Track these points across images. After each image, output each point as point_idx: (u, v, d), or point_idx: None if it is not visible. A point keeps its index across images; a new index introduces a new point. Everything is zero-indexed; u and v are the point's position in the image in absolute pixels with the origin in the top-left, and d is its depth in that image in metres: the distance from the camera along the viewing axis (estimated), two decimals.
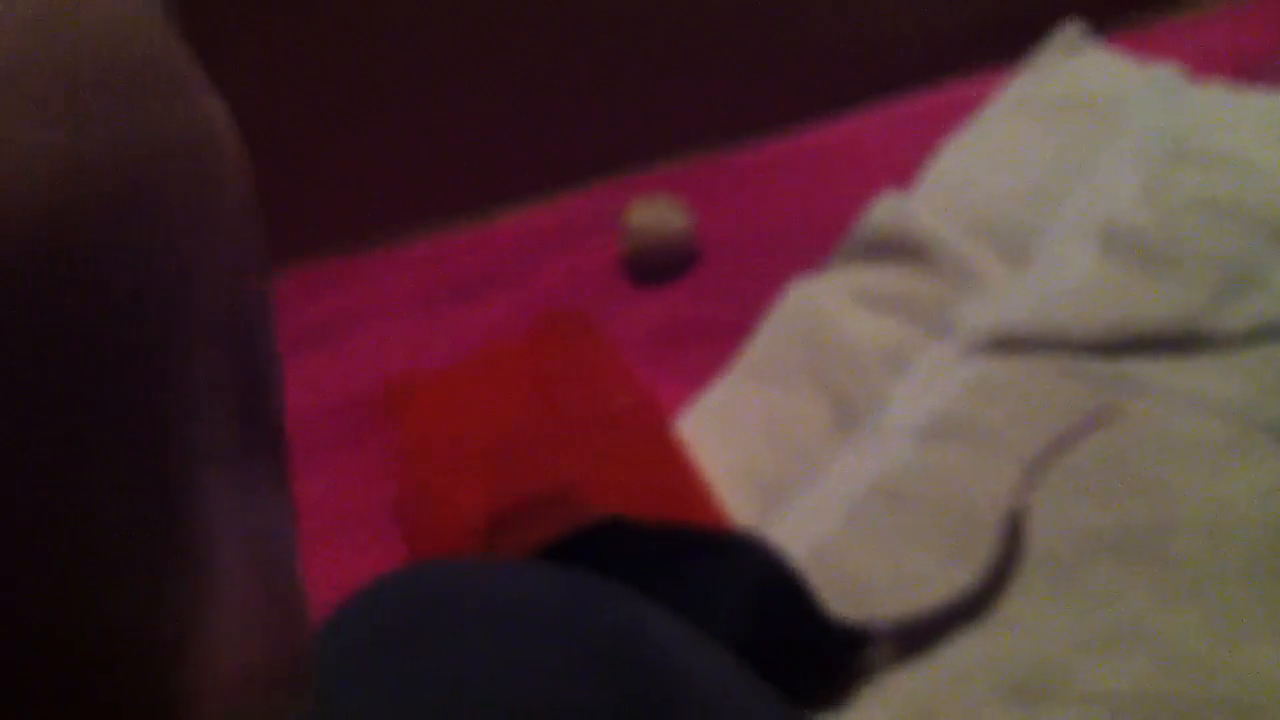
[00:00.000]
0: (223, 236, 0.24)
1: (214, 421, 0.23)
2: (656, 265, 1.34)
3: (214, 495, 0.23)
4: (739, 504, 1.10)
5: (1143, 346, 1.13)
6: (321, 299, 1.44)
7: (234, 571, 0.24)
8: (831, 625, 0.96)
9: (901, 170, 1.34)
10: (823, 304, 1.23)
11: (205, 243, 0.23)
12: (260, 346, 0.26)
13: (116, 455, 0.20)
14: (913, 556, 1.02)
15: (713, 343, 1.25)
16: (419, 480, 1.10)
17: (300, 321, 1.42)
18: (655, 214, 1.35)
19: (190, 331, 0.22)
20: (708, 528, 0.99)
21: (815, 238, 1.31)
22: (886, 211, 1.27)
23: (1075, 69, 1.42)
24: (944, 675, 0.95)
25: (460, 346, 1.35)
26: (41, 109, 0.20)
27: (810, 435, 1.14)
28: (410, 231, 1.49)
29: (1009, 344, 1.15)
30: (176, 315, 0.22)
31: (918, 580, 0.99)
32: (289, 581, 0.26)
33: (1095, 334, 1.14)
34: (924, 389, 1.14)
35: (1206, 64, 1.40)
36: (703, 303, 1.31)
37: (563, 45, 1.76)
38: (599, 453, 1.07)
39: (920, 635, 0.97)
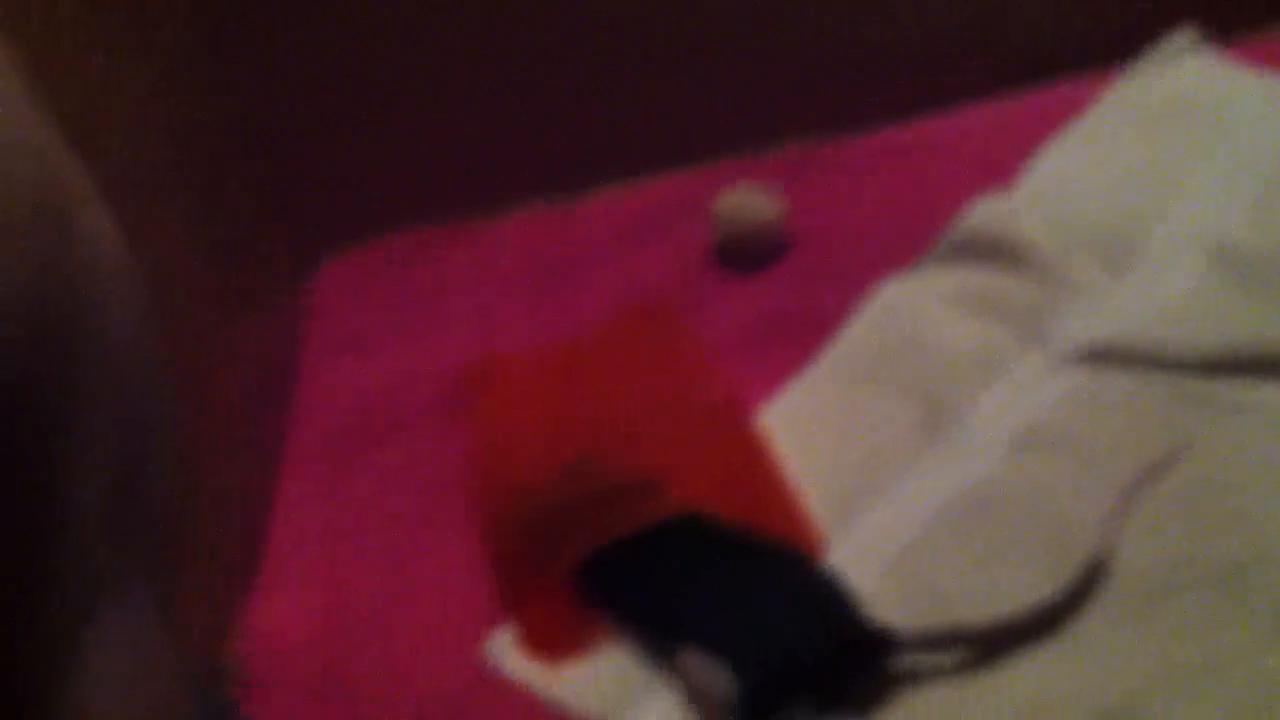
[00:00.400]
0: (103, 357, 0.24)
1: (84, 534, 0.23)
2: (745, 254, 1.32)
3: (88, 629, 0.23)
4: (819, 504, 1.08)
5: (1246, 368, 1.09)
6: (412, 270, 1.43)
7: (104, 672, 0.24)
8: (857, 625, 0.93)
9: (1001, 170, 1.31)
10: (914, 304, 1.20)
11: (83, 366, 0.23)
12: (142, 458, 0.26)
13: None
14: (1000, 569, 0.99)
15: (799, 336, 1.23)
16: (494, 465, 1.09)
17: (388, 292, 1.41)
18: (746, 202, 1.33)
19: (64, 456, 0.22)
20: (772, 540, 0.98)
21: (909, 234, 1.28)
22: (985, 212, 1.24)
23: (1184, 75, 1.38)
24: (1026, 699, 0.92)
25: (542, 329, 1.33)
26: None
27: (895, 438, 1.12)
28: (497, 208, 1.47)
29: (1107, 357, 1.12)
30: (49, 442, 0.22)
31: (1005, 594, 0.97)
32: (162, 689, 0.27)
33: (1197, 352, 1.10)
34: (1017, 398, 1.11)
35: None
36: (791, 295, 1.28)
37: (661, 26, 1.73)
38: (681, 446, 1.05)
39: (983, 644, 0.94)
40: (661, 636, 0.97)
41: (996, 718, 0.91)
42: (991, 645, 0.95)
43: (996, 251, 1.21)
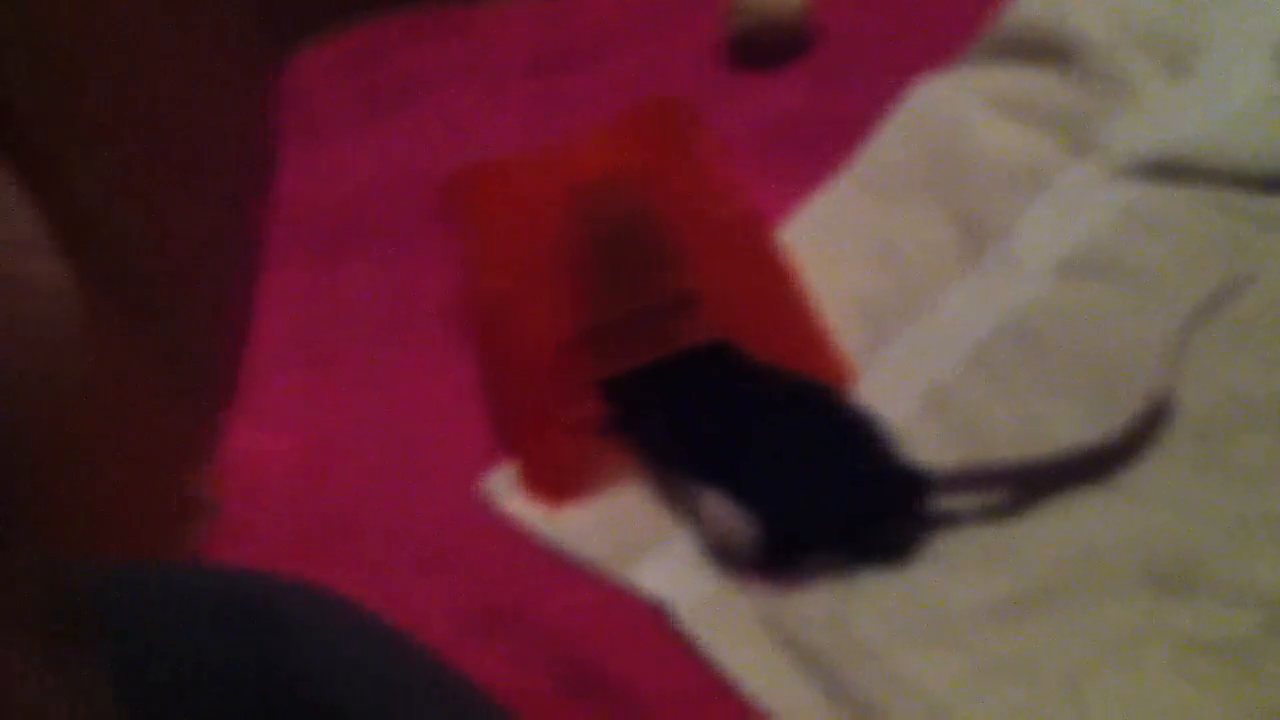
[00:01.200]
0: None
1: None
2: (764, 49, 1.20)
3: None
4: (848, 328, 0.98)
5: None
6: (394, 58, 1.31)
7: None
8: (893, 466, 0.86)
9: None
10: (953, 107, 1.09)
11: None
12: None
13: None
14: (1046, 405, 0.90)
15: (821, 140, 1.12)
16: (491, 287, 0.99)
17: (368, 82, 1.30)
18: None
19: None
20: (801, 374, 0.89)
21: (949, 27, 1.16)
22: (1033, 4, 1.12)
23: None
24: (1075, 547, 0.84)
25: (540, 123, 1.22)
26: None
27: (931, 256, 1.02)
28: None
29: (1166, 169, 1.01)
30: None
31: (1050, 433, 0.88)
32: None
33: (1262, 166, 1.00)
34: (1065, 215, 1.01)
35: None
36: (815, 94, 1.17)
37: None
38: (698, 266, 0.95)
39: (1026, 486, 0.86)
40: (682, 475, 0.88)
41: (1038, 566, 0.84)
42: (1035, 487, 0.87)
43: (1045, 49, 1.09)
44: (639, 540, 0.89)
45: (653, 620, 0.85)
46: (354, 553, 0.93)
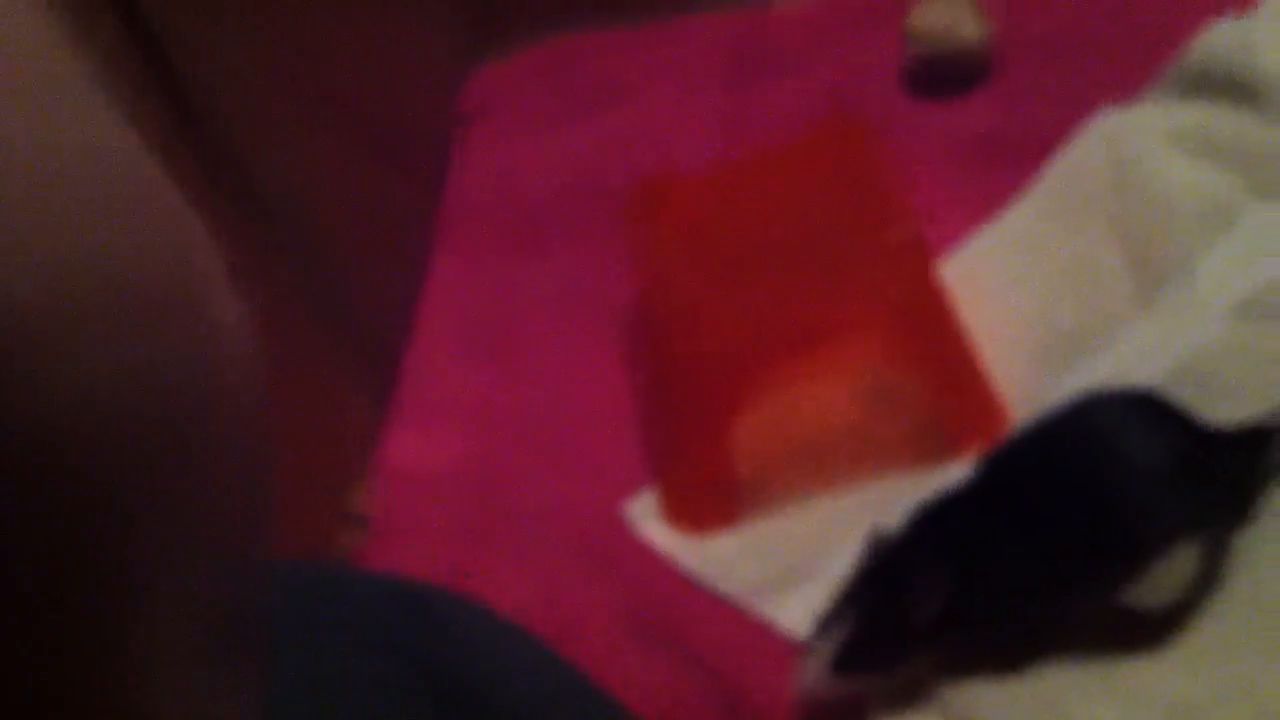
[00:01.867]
0: (217, 460, 0.24)
1: (181, 634, 0.23)
2: (942, 74, 1.19)
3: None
4: (1016, 360, 0.97)
5: None
6: (581, 72, 1.33)
7: None
8: (1212, 432, 0.83)
9: None
10: (1135, 141, 1.07)
11: (196, 471, 0.23)
12: (245, 567, 0.25)
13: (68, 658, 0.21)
14: None
15: (1001, 168, 1.11)
16: (654, 294, 0.99)
17: (556, 94, 1.31)
18: (946, 15, 1.19)
19: (163, 561, 0.22)
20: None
21: (1133, 59, 1.13)
22: (1222, 40, 1.09)
23: None
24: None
25: (719, 135, 1.22)
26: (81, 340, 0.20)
27: (1106, 291, 1.00)
28: (680, 9, 1.35)
29: None
30: (151, 541, 0.22)
31: None
32: None
33: None
34: (1247, 257, 0.98)
35: None
36: (993, 121, 1.15)
37: None
38: (865, 290, 0.94)
39: None
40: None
41: None
42: None
43: (1233, 86, 1.07)
44: (780, 576, 0.89)
45: None
46: (516, 557, 0.94)
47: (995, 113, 1.15)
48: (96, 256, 0.21)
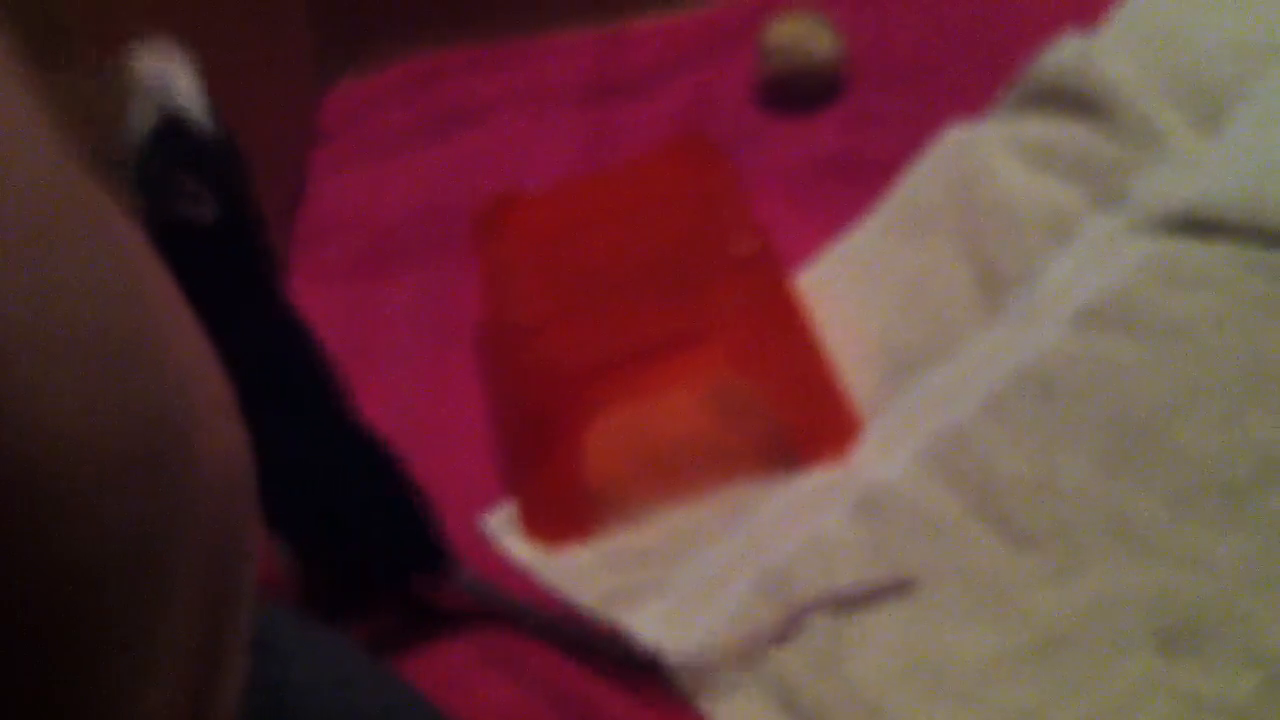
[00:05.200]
0: (192, 505, 0.24)
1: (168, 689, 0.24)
2: (796, 91, 1.20)
3: None
4: (866, 371, 0.97)
5: None
6: (438, 90, 1.32)
7: None
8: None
9: (1090, 6, 1.17)
10: (981, 155, 1.08)
11: (171, 516, 0.24)
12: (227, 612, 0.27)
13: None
14: (1063, 459, 0.89)
15: (852, 185, 1.11)
16: (507, 319, 0.98)
17: (413, 113, 1.30)
18: (799, 33, 1.20)
19: (153, 600, 0.23)
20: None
21: (980, 75, 1.15)
22: (1066, 55, 1.11)
23: None
24: (1084, 601, 0.83)
25: (575, 154, 1.22)
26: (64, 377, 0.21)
27: (952, 303, 1.01)
28: (536, 29, 1.35)
29: (1195, 224, 1.00)
30: (142, 580, 0.23)
31: (1070, 488, 0.87)
32: None
33: None
34: (1088, 266, 1.00)
35: None
36: (845, 138, 1.16)
37: None
38: (712, 303, 0.94)
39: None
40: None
41: (1043, 618, 0.82)
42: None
43: (1076, 100, 1.08)
44: (634, 586, 0.88)
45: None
46: None
47: (845, 131, 1.16)
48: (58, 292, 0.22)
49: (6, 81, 0.22)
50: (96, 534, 0.22)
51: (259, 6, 1.26)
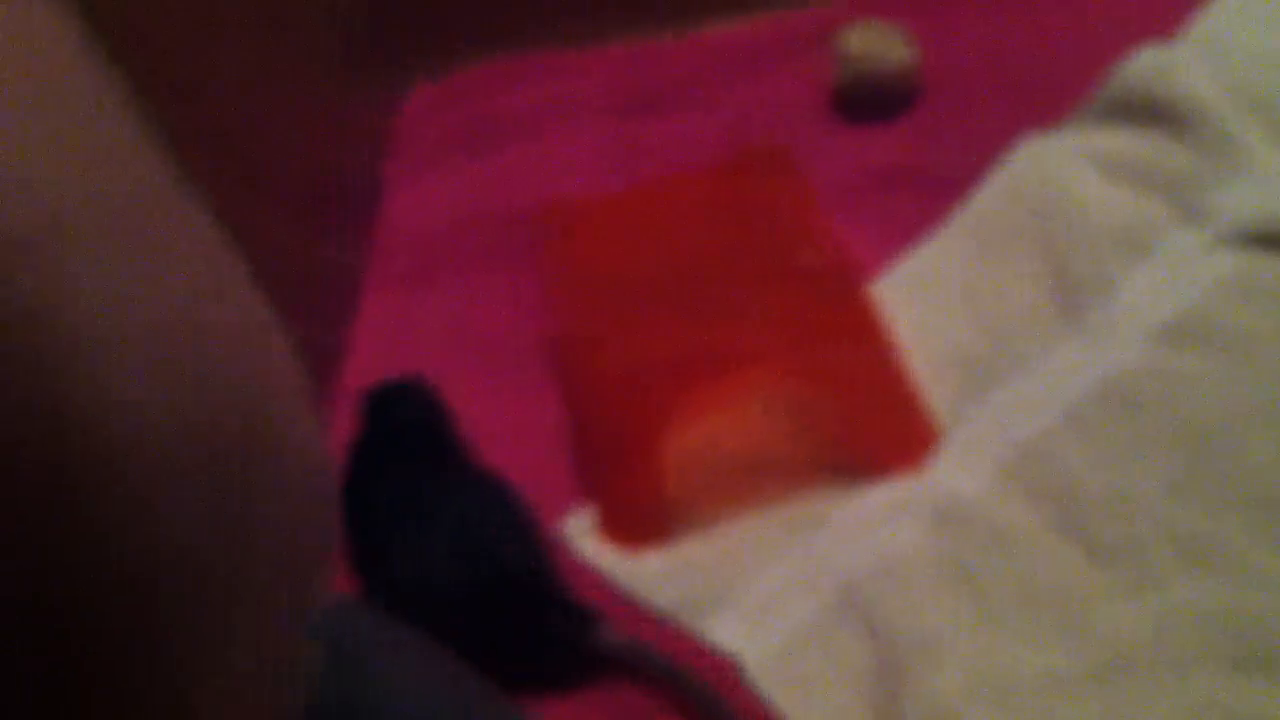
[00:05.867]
0: (265, 506, 0.24)
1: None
2: (869, 100, 1.19)
3: None
4: (939, 383, 0.97)
5: None
6: (497, 97, 1.32)
7: None
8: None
9: (1166, 18, 1.16)
10: (1057, 166, 1.07)
11: (241, 515, 0.23)
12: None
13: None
14: (1138, 473, 0.88)
15: (925, 195, 1.11)
16: (571, 320, 0.98)
17: (471, 120, 1.31)
18: (873, 41, 1.20)
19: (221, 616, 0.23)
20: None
21: (1058, 86, 1.14)
22: (1144, 67, 1.10)
23: None
24: (1155, 616, 0.82)
25: (639, 165, 1.22)
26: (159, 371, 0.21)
27: (1027, 316, 1.00)
28: (601, 35, 1.35)
29: (1273, 239, 0.99)
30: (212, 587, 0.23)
31: (1146, 504, 0.86)
32: None
33: None
34: (1167, 281, 0.99)
35: None
36: (918, 148, 1.16)
37: None
38: (780, 314, 0.94)
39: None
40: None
41: (1113, 637, 0.82)
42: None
43: (1155, 113, 1.07)
44: (708, 594, 0.88)
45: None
46: None
47: (916, 142, 1.16)
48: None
49: (108, 92, 0.22)
50: (165, 533, 0.21)
51: (325, 20, 1.28)
